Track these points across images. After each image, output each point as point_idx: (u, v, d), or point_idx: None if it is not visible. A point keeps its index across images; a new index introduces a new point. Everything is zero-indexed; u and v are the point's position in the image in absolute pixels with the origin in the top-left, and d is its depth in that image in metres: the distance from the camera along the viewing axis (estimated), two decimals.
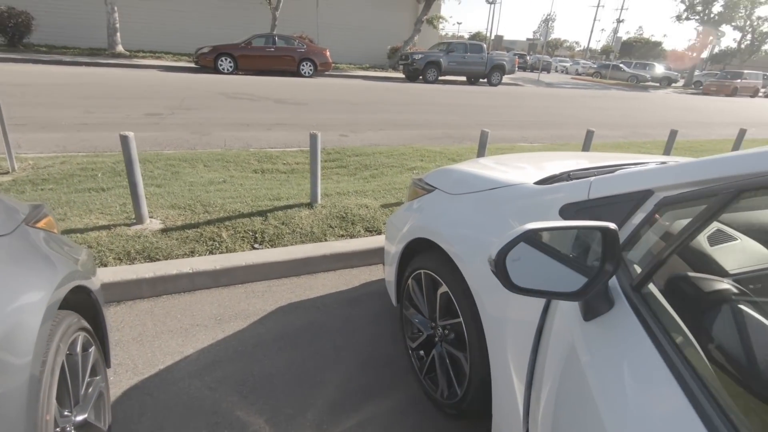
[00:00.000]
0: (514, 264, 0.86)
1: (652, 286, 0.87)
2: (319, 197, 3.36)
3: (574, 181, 1.24)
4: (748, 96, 26.87)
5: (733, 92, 26.21)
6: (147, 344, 2.00)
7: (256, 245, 2.76)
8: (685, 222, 0.86)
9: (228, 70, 13.98)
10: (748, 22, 33.74)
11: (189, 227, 2.82)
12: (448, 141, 6.73)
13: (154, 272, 2.35)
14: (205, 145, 5.38)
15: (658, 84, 29.16)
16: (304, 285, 2.59)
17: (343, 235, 3.01)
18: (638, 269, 0.93)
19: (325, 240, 2.92)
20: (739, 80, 26.59)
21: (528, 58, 36.90)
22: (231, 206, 3.17)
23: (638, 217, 1.01)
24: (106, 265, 2.39)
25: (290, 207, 3.25)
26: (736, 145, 5.48)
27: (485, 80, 18.45)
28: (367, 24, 22.61)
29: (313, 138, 3.12)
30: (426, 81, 16.80)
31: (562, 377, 0.99)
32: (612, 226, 0.84)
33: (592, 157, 2.12)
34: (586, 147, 4.31)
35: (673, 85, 30.70)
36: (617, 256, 0.86)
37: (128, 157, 2.60)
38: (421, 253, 1.84)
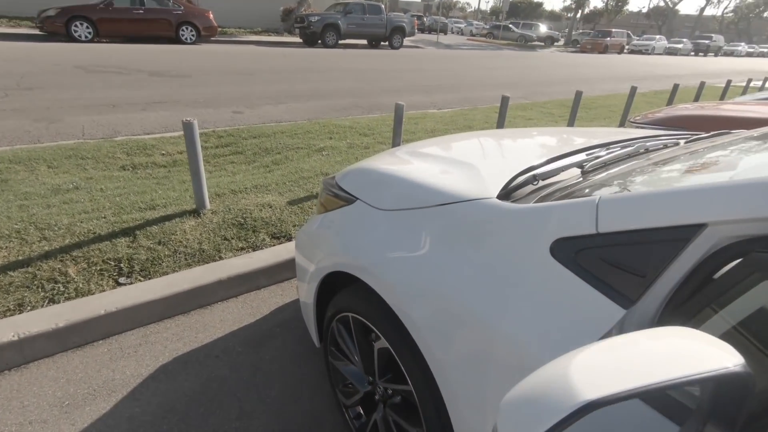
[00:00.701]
0: None
1: None
2: (208, 200, 2.68)
3: (569, 200, 0.84)
4: (616, 52, 30.03)
5: (605, 49, 29.11)
6: None
7: (121, 279, 2.06)
8: None
9: (86, 37, 11.61)
10: None
11: (15, 267, 2.01)
12: (356, 111, 6.20)
13: None
14: (55, 135, 4.23)
15: (543, 43, 31.09)
16: (196, 325, 1.99)
17: (243, 248, 2.41)
18: None
19: (220, 258, 2.31)
20: (608, 38, 29.59)
21: (425, 19, 36.79)
22: (83, 226, 2.37)
23: (680, 268, 0.65)
24: None
25: (169, 218, 2.54)
26: (629, 102, 5.76)
27: (386, 43, 17.95)
28: None
29: (188, 127, 2.40)
30: (326, 45, 15.80)
31: None
32: (739, 364, 0.42)
33: (527, 136, 1.79)
34: (502, 115, 4.10)
35: (556, 44, 33.02)
36: (741, 420, 0.46)
37: None
38: (345, 287, 1.37)
